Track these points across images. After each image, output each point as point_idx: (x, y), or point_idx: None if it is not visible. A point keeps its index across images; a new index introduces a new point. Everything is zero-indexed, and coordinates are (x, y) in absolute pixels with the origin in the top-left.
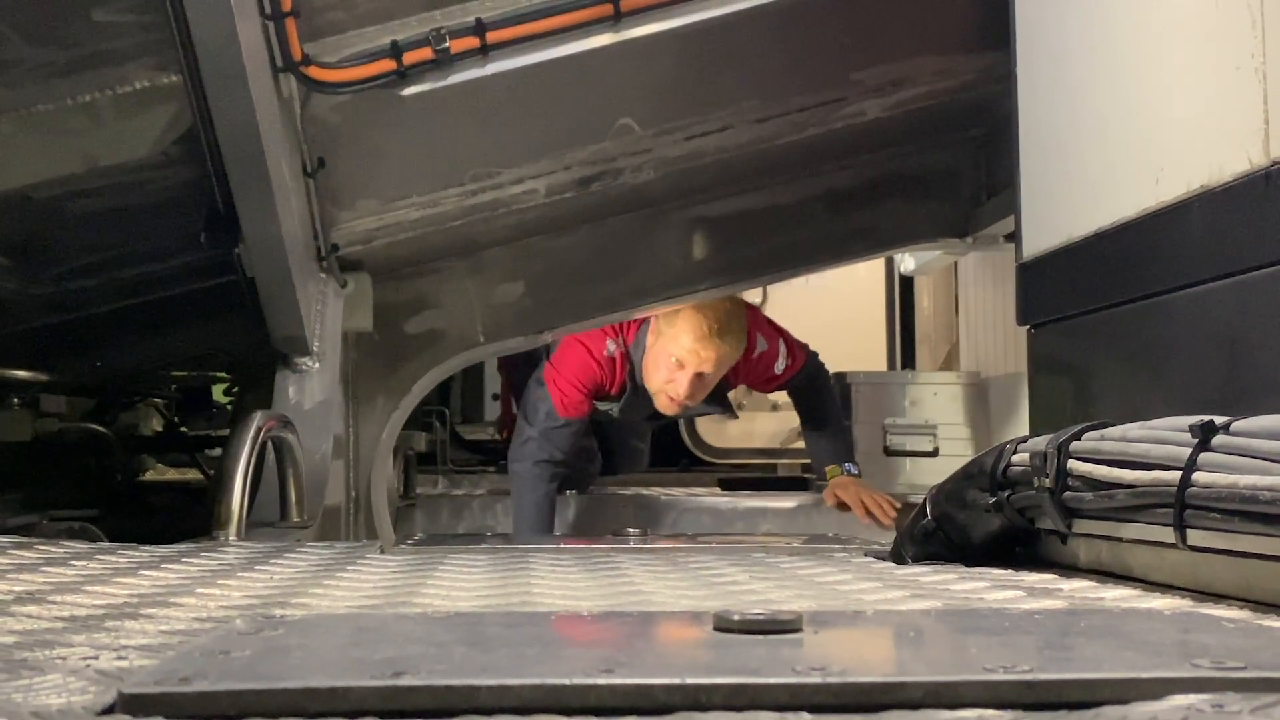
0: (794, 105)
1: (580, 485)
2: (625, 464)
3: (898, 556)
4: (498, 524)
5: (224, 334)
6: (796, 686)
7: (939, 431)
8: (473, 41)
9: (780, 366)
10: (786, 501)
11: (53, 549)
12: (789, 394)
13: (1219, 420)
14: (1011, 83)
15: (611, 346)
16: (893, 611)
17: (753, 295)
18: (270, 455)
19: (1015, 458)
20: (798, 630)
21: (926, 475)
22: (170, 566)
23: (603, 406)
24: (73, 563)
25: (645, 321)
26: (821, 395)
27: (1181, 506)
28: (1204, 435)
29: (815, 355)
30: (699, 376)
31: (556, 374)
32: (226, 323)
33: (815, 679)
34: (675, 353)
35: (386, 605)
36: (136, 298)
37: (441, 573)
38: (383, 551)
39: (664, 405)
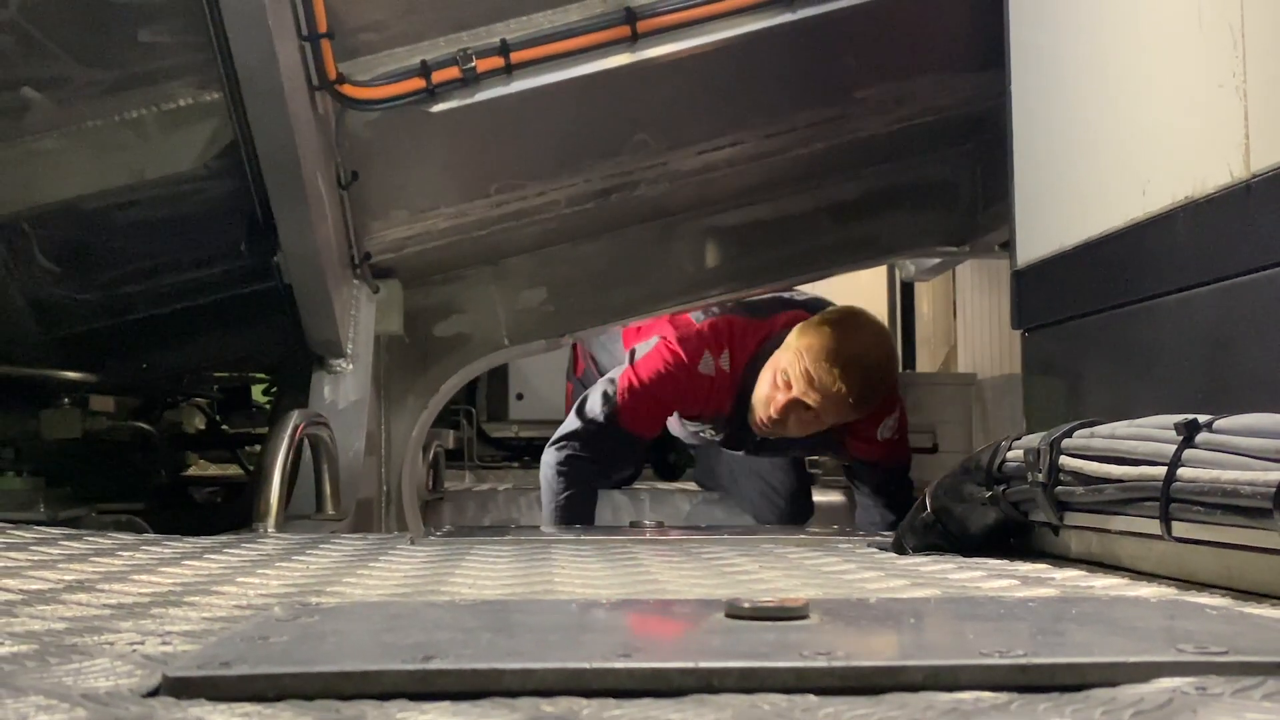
0: (801, 121)
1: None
2: (751, 506)
3: (899, 547)
4: (522, 517)
5: (263, 337)
6: (804, 670)
7: (938, 429)
8: (498, 61)
9: (885, 433)
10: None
11: (101, 540)
12: (858, 473)
13: (1202, 418)
14: (1006, 100)
15: (710, 361)
16: (894, 599)
17: None
18: (307, 452)
19: (1010, 454)
20: (805, 617)
21: (926, 470)
22: (212, 557)
23: (694, 428)
24: (120, 553)
25: (775, 332)
26: (898, 495)
27: (1167, 500)
28: (1188, 433)
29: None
30: (805, 408)
31: (634, 377)
32: (265, 327)
33: (821, 663)
34: (786, 366)
35: (416, 593)
36: (181, 303)
37: (468, 563)
38: (413, 543)
39: (756, 425)
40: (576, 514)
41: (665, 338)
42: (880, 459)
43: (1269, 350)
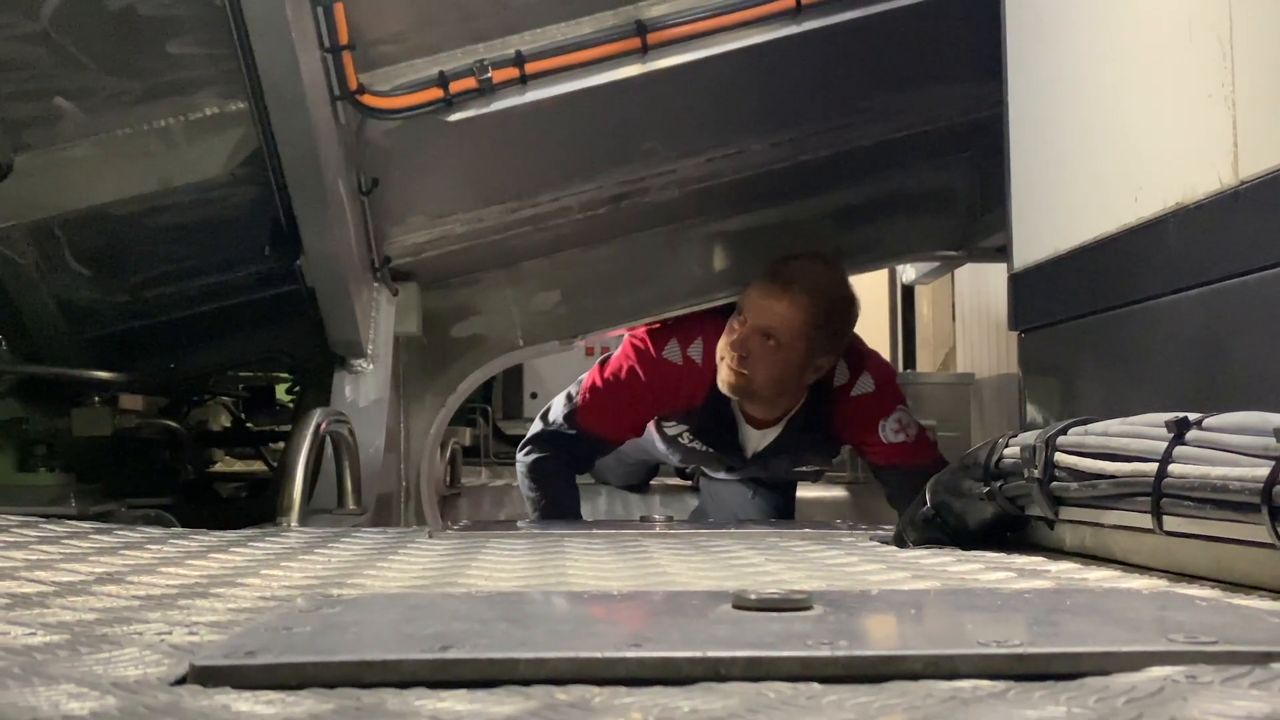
0: (805, 130)
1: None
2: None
3: (900, 541)
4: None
5: (286, 338)
6: (808, 659)
7: (938, 427)
8: (513, 72)
9: (890, 435)
10: (835, 491)
11: (130, 534)
12: (882, 478)
13: (1192, 416)
14: (1003, 109)
15: (676, 349)
16: (895, 591)
17: None
18: (328, 448)
19: (1007, 451)
20: (809, 608)
21: None
22: (237, 550)
23: (672, 430)
24: (149, 546)
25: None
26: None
27: (1158, 495)
28: (1179, 430)
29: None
30: (764, 337)
31: (598, 376)
32: (289, 328)
33: (825, 652)
34: (740, 308)
35: (434, 585)
36: (207, 305)
37: (484, 556)
38: (431, 536)
39: (723, 381)
40: (558, 513)
41: (632, 333)
42: (899, 462)
43: (1256, 351)
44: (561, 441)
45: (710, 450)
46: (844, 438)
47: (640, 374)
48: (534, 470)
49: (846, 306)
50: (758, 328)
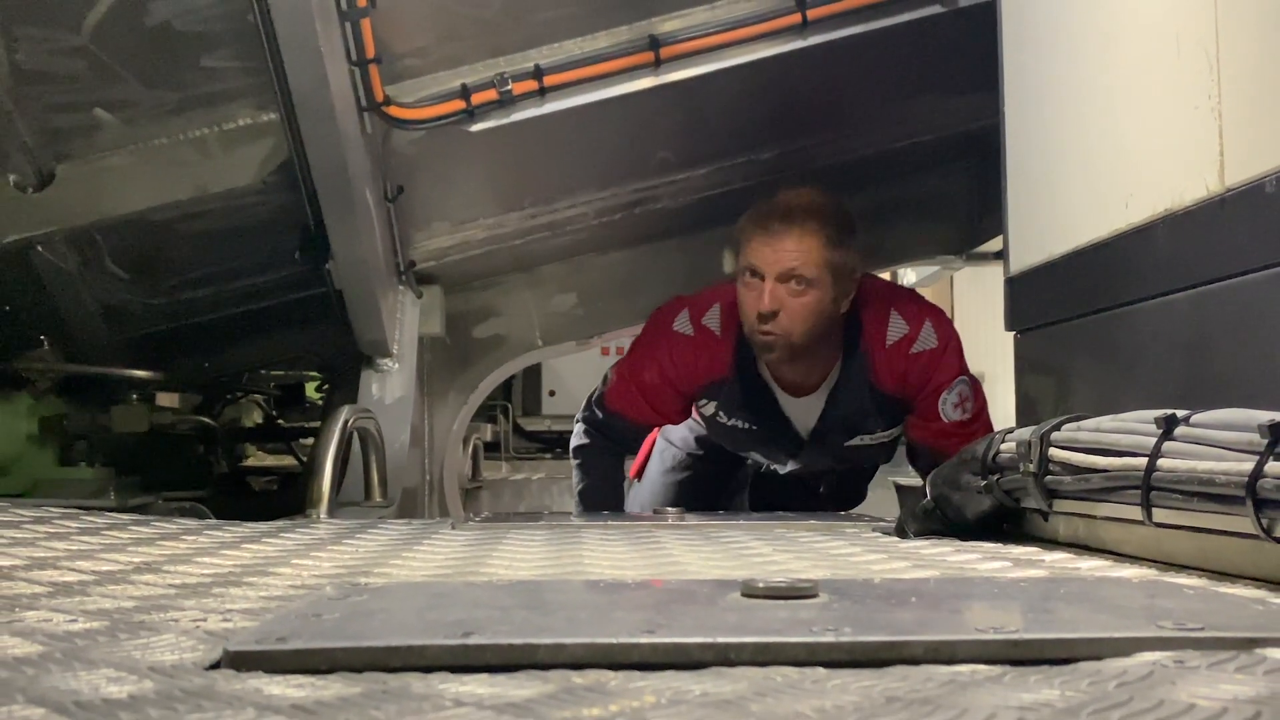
0: (810, 140)
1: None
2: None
3: (901, 532)
4: (554, 504)
5: (316, 338)
6: (814, 645)
7: None
8: (532, 84)
9: (950, 411)
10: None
11: (167, 525)
12: (921, 452)
13: (1180, 413)
14: (1000, 119)
15: (686, 320)
16: (897, 580)
17: None
18: (356, 444)
19: (1003, 446)
20: (814, 596)
21: None
22: (269, 540)
23: (708, 411)
24: (184, 537)
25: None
26: None
27: (1148, 488)
28: (1167, 426)
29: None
30: (788, 282)
31: (625, 359)
32: (318, 329)
33: (830, 638)
34: (742, 261)
35: (457, 574)
36: (240, 307)
37: (505, 546)
38: (454, 528)
39: (761, 349)
40: (596, 500)
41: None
42: (946, 448)
43: (1241, 350)
44: (597, 423)
45: (754, 427)
46: (901, 397)
47: (652, 351)
48: (574, 454)
49: (847, 215)
50: (779, 276)
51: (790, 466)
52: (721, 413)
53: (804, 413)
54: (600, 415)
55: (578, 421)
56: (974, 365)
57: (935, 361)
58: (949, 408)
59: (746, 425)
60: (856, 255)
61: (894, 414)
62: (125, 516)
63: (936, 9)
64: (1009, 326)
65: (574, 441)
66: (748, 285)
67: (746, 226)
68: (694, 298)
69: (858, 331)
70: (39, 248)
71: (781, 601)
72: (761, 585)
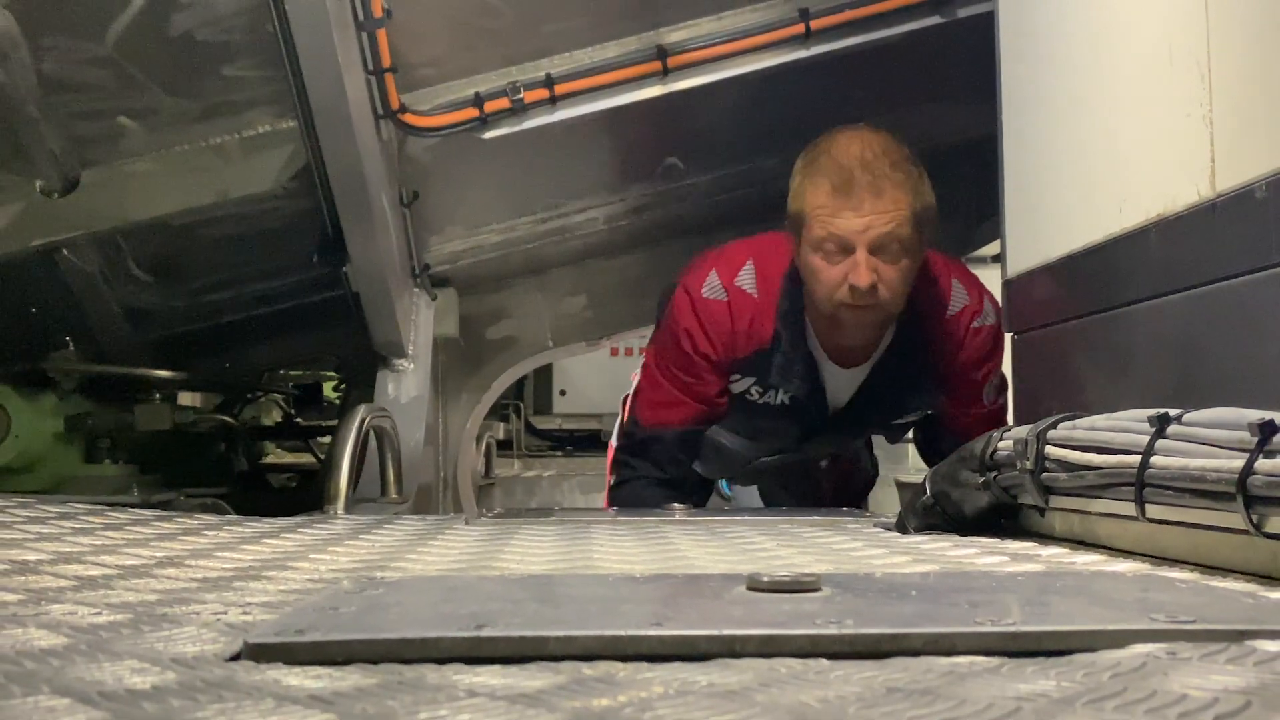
0: None
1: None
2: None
3: (901, 527)
4: (564, 500)
5: (333, 340)
6: (817, 637)
7: None
8: (543, 93)
9: (991, 396)
10: None
11: (189, 521)
12: (923, 440)
13: (1173, 412)
14: (998, 127)
15: (716, 283)
16: (898, 573)
17: None
18: (372, 442)
19: (1001, 444)
20: (817, 590)
21: None
22: (287, 536)
23: (738, 388)
24: (205, 532)
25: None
26: None
27: (1141, 485)
28: (1160, 425)
29: None
30: (885, 250)
31: (649, 357)
32: (335, 330)
33: (832, 630)
34: (819, 232)
35: (470, 568)
36: (259, 309)
37: (517, 541)
38: (467, 523)
39: (852, 325)
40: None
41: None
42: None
43: (1232, 351)
44: (636, 448)
45: (785, 404)
46: (951, 374)
47: (683, 325)
48: (610, 500)
49: (910, 152)
50: (876, 245)
51: (787, 455)
52: (755, 388)
53: (843, 386)
54: (638, 434)
55: (613, 459)
56: None
57: (995, 339)
58: (993, 390)
59: (781, 401)
60: (930, 201)
61: (930, 394)
62: (148, 512)
63: (936, 20)
64: (1007, 328)
65: (611, 480)
66: (828, 257)
67: (814, 192)
68: (720, 254)
69: (915, 296)
70: (65, 251)
71: (786, 595)
72: (766, 579)
